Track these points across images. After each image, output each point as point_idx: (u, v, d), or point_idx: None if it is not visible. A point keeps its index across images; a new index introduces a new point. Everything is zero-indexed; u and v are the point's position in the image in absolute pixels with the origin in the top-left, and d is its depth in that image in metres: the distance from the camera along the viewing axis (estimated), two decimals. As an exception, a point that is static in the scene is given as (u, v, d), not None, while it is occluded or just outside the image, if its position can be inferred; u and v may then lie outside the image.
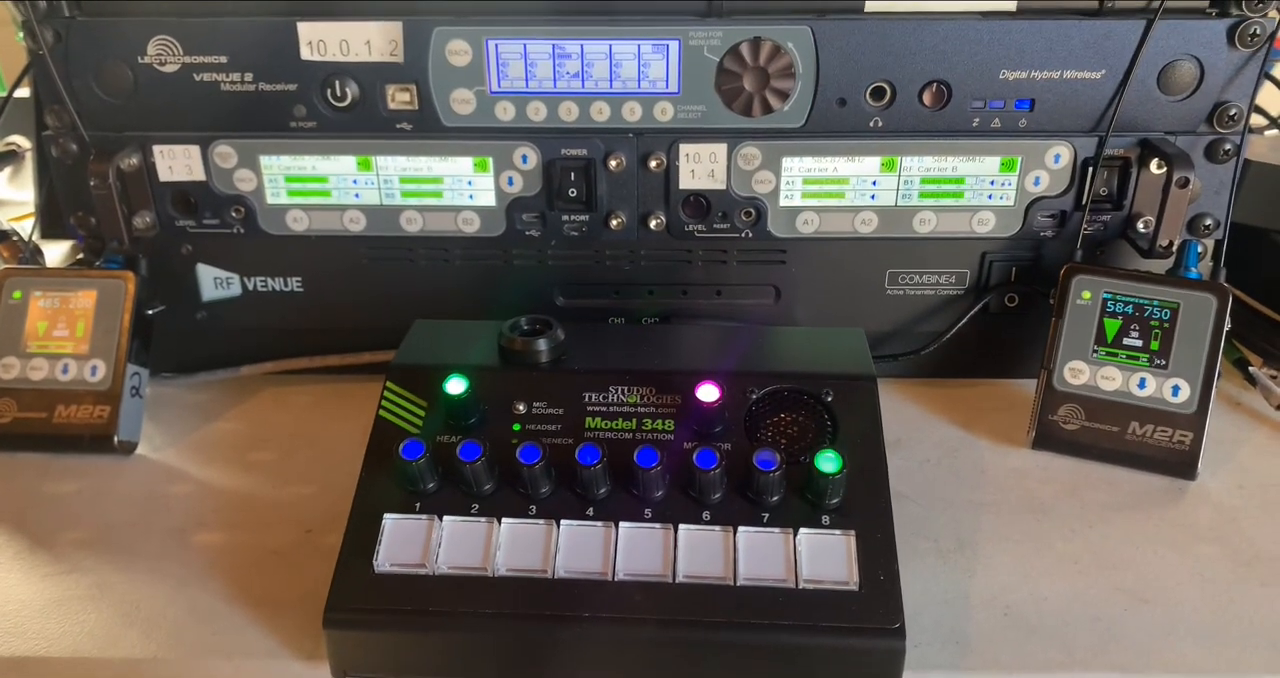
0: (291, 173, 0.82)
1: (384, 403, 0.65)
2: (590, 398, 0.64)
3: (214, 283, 0.86)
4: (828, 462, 0.57)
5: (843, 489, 0.58)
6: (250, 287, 0.86)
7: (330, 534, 0.69)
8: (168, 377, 0.85)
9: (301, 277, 0.86)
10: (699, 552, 0.57)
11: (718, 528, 0.58)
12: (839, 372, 0.65)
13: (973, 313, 0.83)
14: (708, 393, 0.60)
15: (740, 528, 0.58)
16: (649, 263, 0.84)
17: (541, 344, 0.67)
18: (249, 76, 0.78)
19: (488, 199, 0.82)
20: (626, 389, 0.64)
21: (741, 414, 0.62)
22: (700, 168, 0.80)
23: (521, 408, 0.64)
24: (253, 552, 0.69)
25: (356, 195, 0.82)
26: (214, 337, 0.83)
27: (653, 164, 0.79)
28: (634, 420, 0.63)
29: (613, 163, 0.79)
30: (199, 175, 0.81)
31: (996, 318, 0.84)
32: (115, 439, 0.75)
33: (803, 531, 0.57)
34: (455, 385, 0.62)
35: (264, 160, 0.81)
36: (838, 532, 0.57)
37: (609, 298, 0.86)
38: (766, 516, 0.58)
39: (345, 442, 0.80)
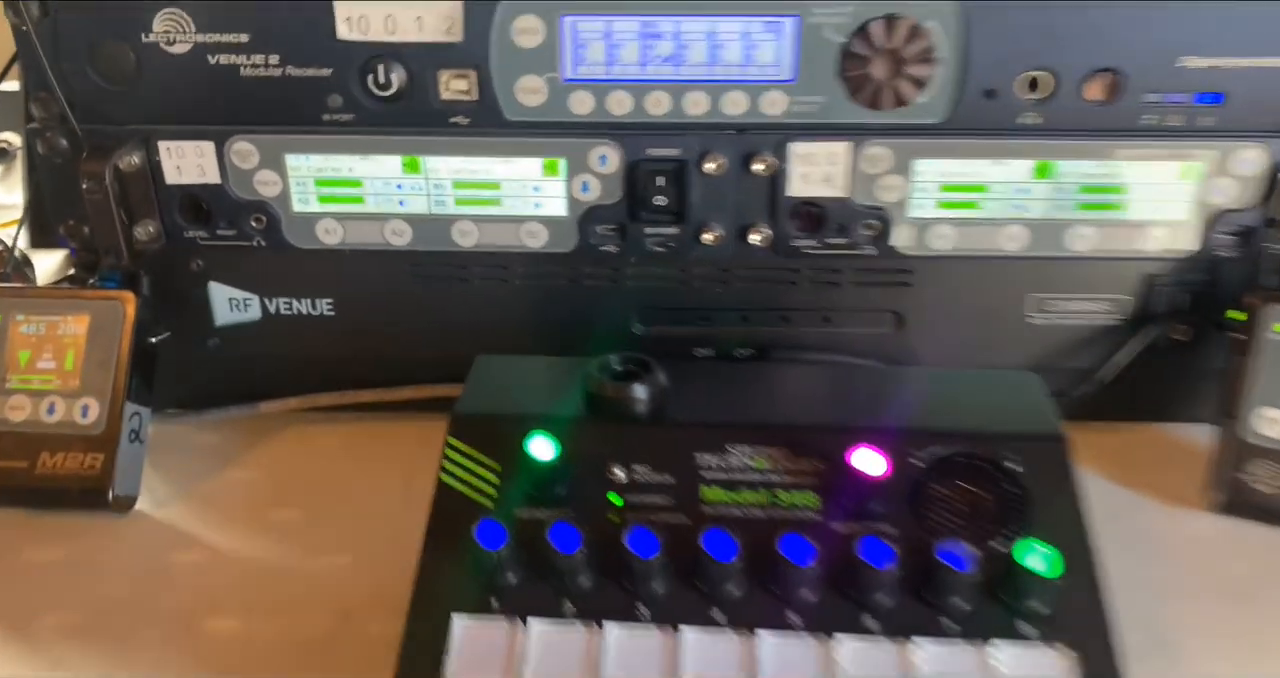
0: (324, 175, 0.68)
1: (446, 464, 0.52)
2: (705, 461, 0.51)
3: (229, 305, 0.73)
4: (1038, 557, 0.43)
5: (1055, 593, 0.44)
6: (272, 309, 0.73)
7: (375, 620, 0.56)
8: (173, 414, 0.73)
9: (333, 298, 0.72)
10: (866, 668, 0.43)
11: (886, 640, 0.44)
12: (1020, 430, 0.51)
13: (1134, 347, 0.69)
14: (869, 461, 0.47)
15: (918, 639, 0.44)
16: (745, 284, 0.70)
17: (640, 391, 0.53)
18: (274, 59, 0.65)
19: (557, 208, 0.68)
20: (751, 451, 0.51)
21: (905, 487, 0.49)
22: (815, 172, 0.67)
23: (620, 473, 0.51)
24: (279, 644, 0.56)
25: (401, 203, 0.69)
26: (229, 368, 0.72)
27: (758, 167, 0.66)
28: (765, 493, 0.49)
29: (709, 165, 0.66)
30: (213, 178, 0.68)
31: (1163, 354, 0.70)
32: (110, 494, 0.63)
33: (1000, 644, 0.44)
34: (541, 448, 0.48)
35: (291, 160, 0.68)
36: (1049, 648, 0.43)
37: (695, 325, 0.72)
38: (951, 623, 0.44)
39: (385, 496, 0.67)
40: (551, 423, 0.51)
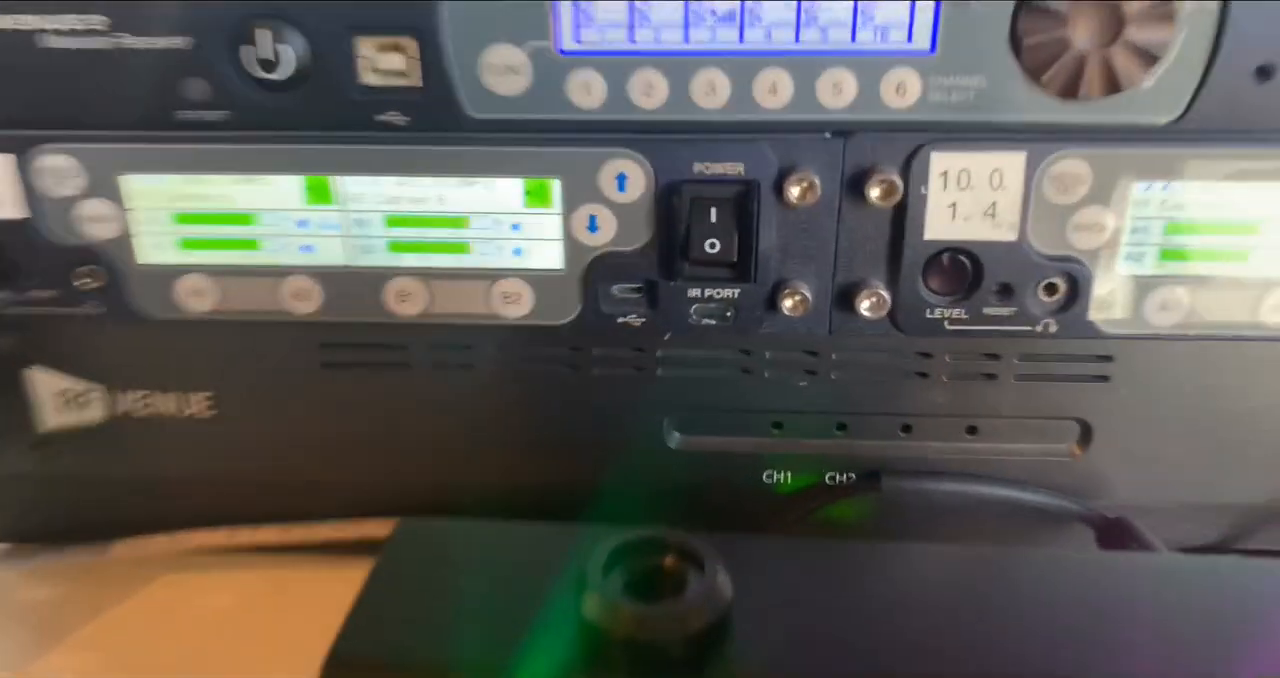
0: (185, 206, 0.44)
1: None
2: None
3: (60, 401, 0.48)
4: None
5: None
6: (122, 407, 0.49)
7: None
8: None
9: (210, 392, 0.48)
10: None
11: None
12: None
13: None
14: None
15: None
16: (846, 376, 0.45)
17: (681, 617, 0.27)
18: (101, 23, 0.40)
19: (549, 257, 0.43)
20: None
21: None
22: (969, 199, 0.41)
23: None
24: None
25: (306, 249, 0.44)
26: (66, 492, 0.52)
27: (874, 192, 0.41)
28: None
29: (794, 190, 0.41)
30: (12, 210, 0.44)
31: None
32: None
33: None
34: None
35: (132, 183, 0.43)
36: None
37: (764, 436, 0.46)
38: None
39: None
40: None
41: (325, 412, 0.48)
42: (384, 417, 0.48)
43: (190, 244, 0.45)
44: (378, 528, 0.50)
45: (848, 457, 0.47)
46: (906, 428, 0.47)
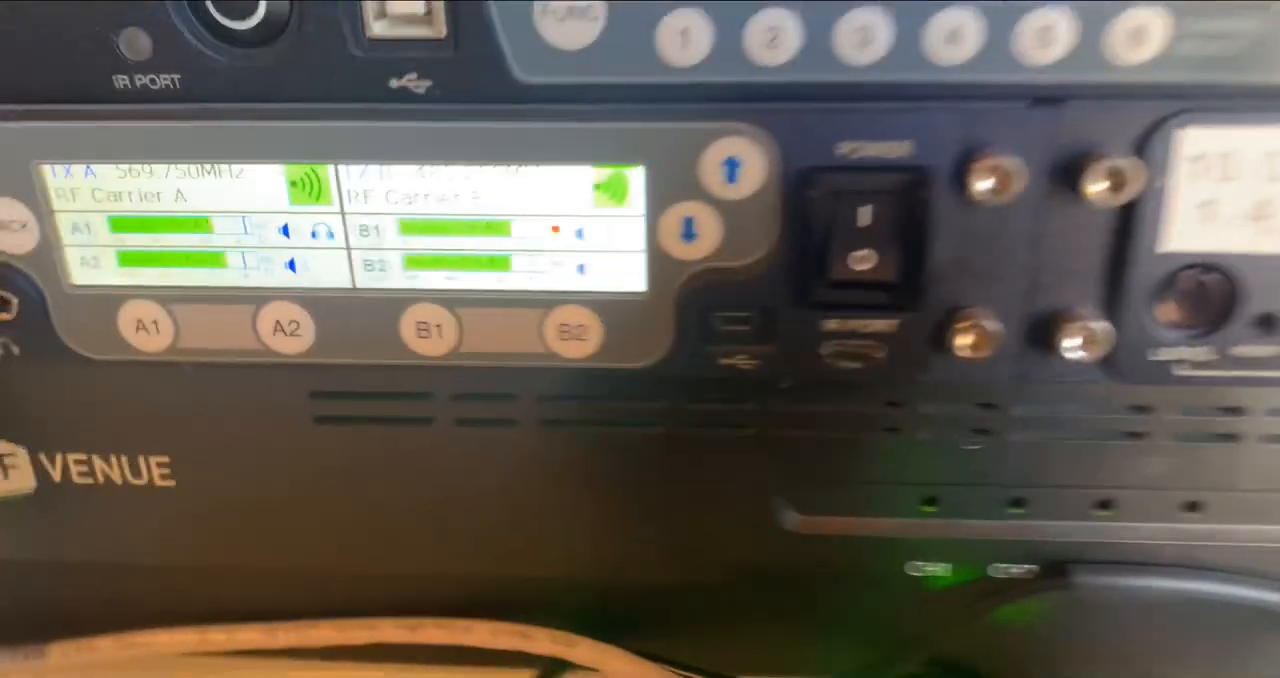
0: (126, 208, 0.32)
1: None
2: None
3: (-28, 465, 0.36)
4: None
5: None
6: (57, 474, 0.37)
7: None
8: None
9: (169, 456, 0.36)
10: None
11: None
12: None
13: None
14: None
15: None
16: (1029, 437, 0.34)
17: None
18: (3, -47, 0.29)
19: (626, 275, 0.32)
20: None
21: None
22: (1231, 195, 0.29)
23: None
24: None
25: (291, 265, 0.32)
26: None
27: (1094, 184, 0.29)
28: None
29: (980, 179, 0.29)
30: (-110, 214, 0.32)
31: None
32: None
33: None
34: None
35: (52, 176, 0.31)
36: None
37: (911, 515, 0.35)
38: None
39: None
40: None
41: (319, 481, 0.36)
42: (397, 489, 0.36)
43: (134, 259, 0.33)
44: (391, 631, 0.38)
45: (1025, 543, 0.35)
46: (1105, 504, 0.35)
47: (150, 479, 0.37)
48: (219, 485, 0.37)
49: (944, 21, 0.28)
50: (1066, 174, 0.29)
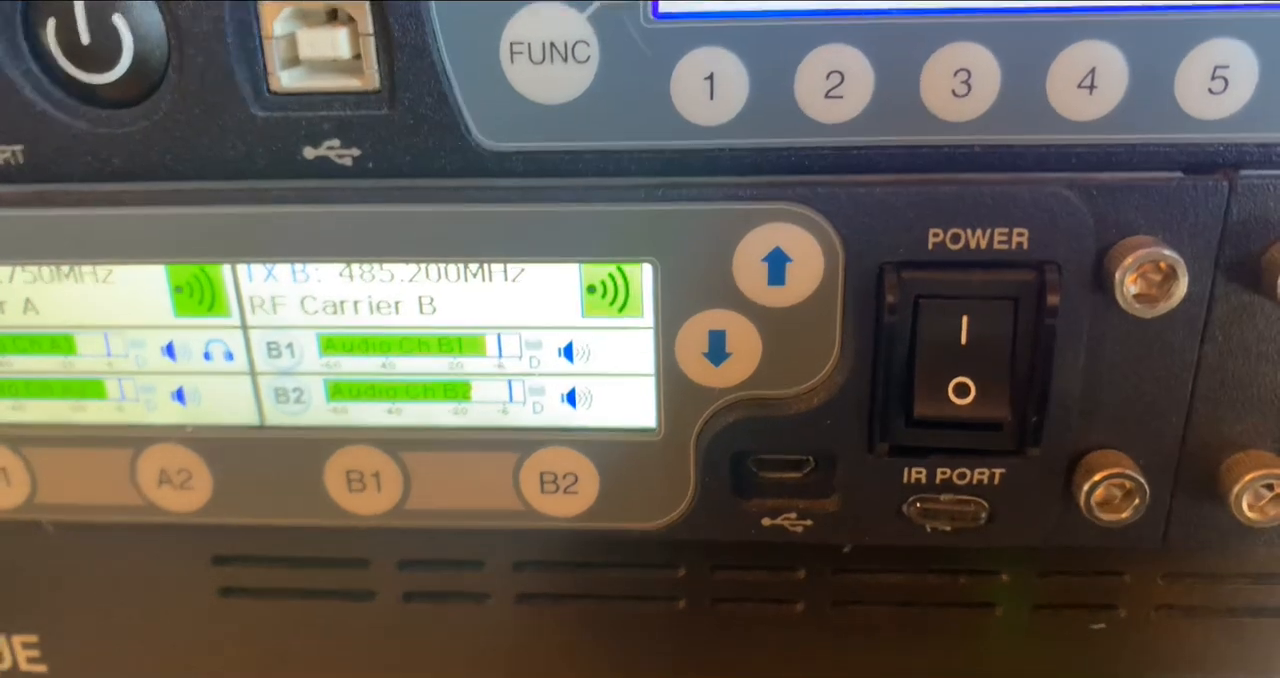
0: None
1: None
2: None
3: None
4: None
5: None
6: (-109, 656, 0.27)
7: None
8: None
9: (37, 635, 0.26)
10: None
11: None
12: None
13: None
14: None
15: None
16: (1184, 613, 0.23)
17: None
18: None
19: (630, 408, 0.23)
20: None
21: None
22: None
23: None
24: None
25: (178, 396, 0.23)
26: None
27: (1288, 284, 0.20)
28: None
29: (1125, 283, 0.19)
30: None
31: None
32: None
33: None
34: None
35: None
36: None
37: None
38: None
39: None
40: None
41: (224, 666, 0.27)
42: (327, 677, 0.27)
43: (-26, 389, 0.24)
44: None
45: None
46: (1274, 697, 0.26)
47: (15, 663, 0.28)
48: (101, 671, 0.28)
49: (1076, 59, 0.20)
50: (1244, 270, 0.21)
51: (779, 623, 0.26)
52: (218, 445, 0.24)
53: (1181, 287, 0.20)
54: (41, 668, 0.29)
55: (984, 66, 0.20)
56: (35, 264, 0.23)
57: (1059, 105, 0.20)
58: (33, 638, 0.28)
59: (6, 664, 0.29)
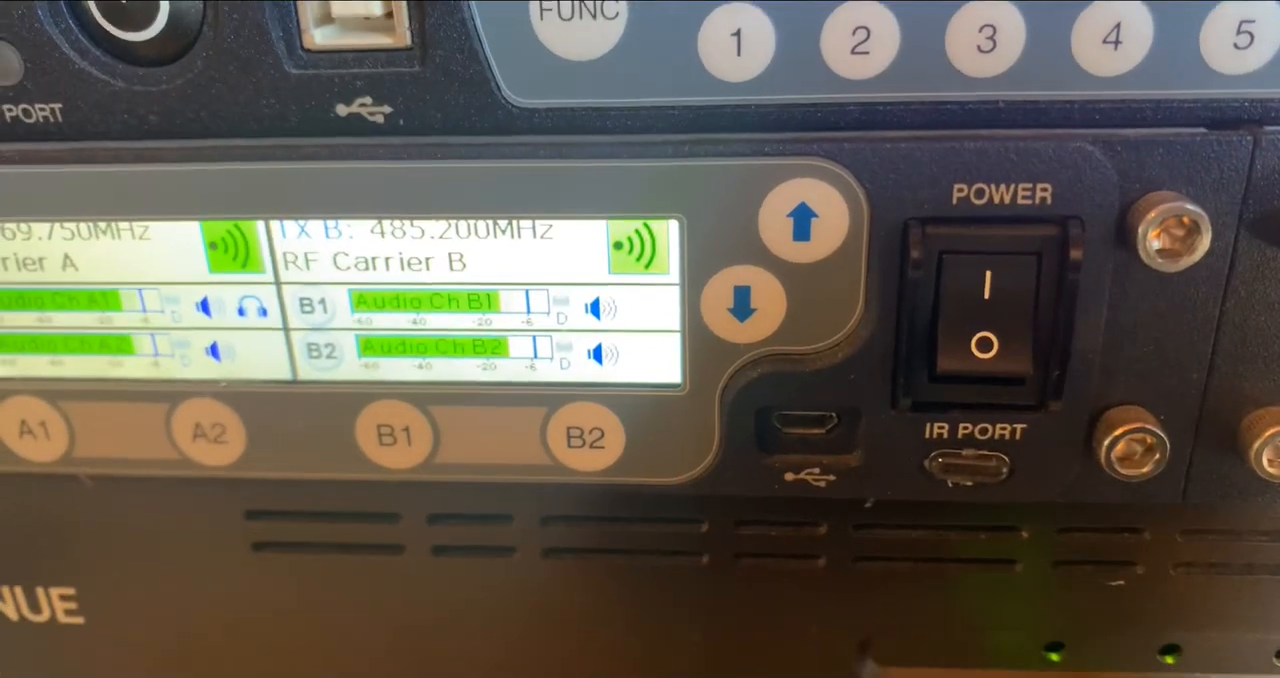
0: (1, 280, 0.24)
1: None
2: None
3: None
4: None
5: None
6: (-64, 608, 0.28)
7: None
8: None
9: (72, 587, 0.27)
10: None
11: None
12: None
13: None
14: None
15: None
16: (1191, 571, 0.24)
17: None
18: None
19: (656, 363, 0.24)
20: None
21: None
22: None
23: None
24: None
25: (212, 351, 0.23)
26: None
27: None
28: None
29: (1152, 234, 0.20)
30: None
31: None
32: None
33: None
34: None
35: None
36: None
37: (1024, 667, 0.25)
38: None
39: None
40: None
41: (257, 619, 0.28)
42: (357, 630, 0.28)
43: (13, 345, 0.25)
44: None
45: (1179, 703, 0.27)
46: (1287, 654, 0.26)
47: (52, 615, 0.29)
48: (136, 623, 0.29)
49: (1101, 15, 0.20)
50: (1268, 226, 0.21)
51: (801, 578, 0.26)
52: (251, 400, 0.25)
53: (1205, 241, 0.21)
54: (78, 620, 0.29)
55: (1009, 23, 0.20)
56: (73, 221, 0.24)
57: (1084, 61, 0.21)
58: (70, 591, 0.29)
59: (44, 617, 0.29)
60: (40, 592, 0.29)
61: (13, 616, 0.29)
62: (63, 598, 0.29)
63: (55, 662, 0.30)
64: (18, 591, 0.29)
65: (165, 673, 0.30)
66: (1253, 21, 0.20)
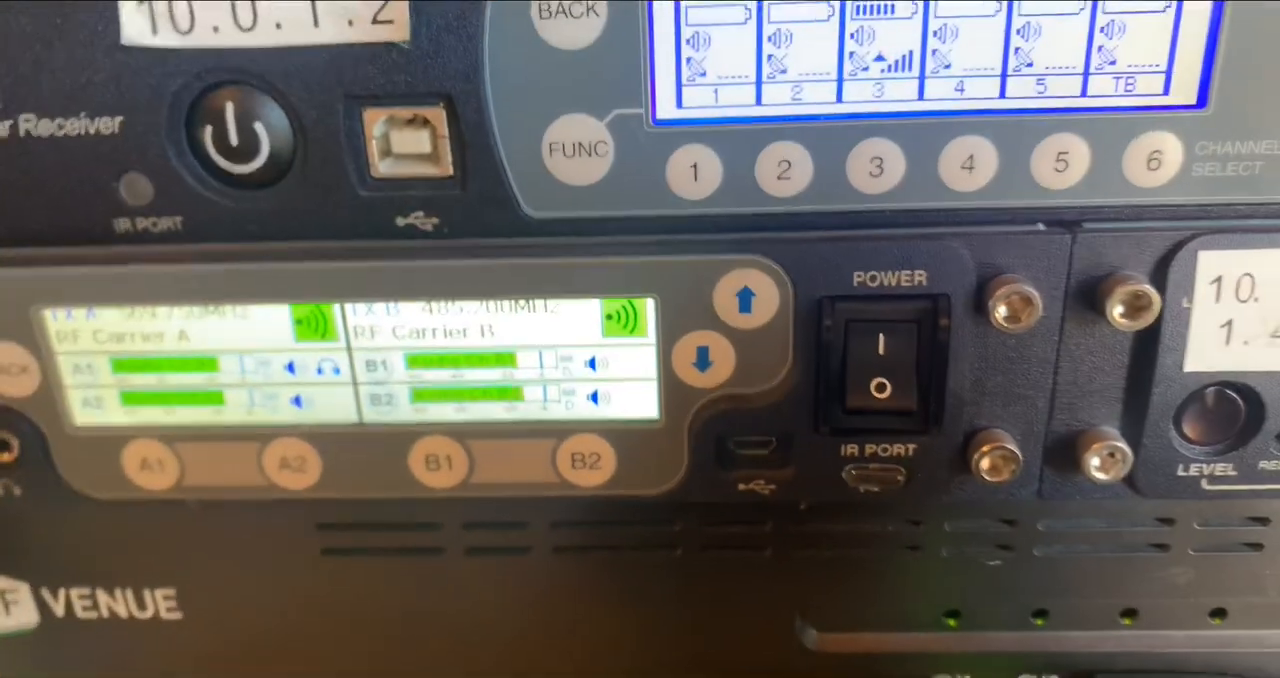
0: (128, 349, 0.32)
1: None
2: None
3: (-28, 603, 0.35)
4: None
5: None
6: (60, 609, 0.37)
7: None
8: None
9: (175, 588, 0.35)
10: None
11: None
12: None
13: None
14: None
15: None
16: (1053, 551, 0.33)
17: None
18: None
19: (639, 404, 0.32)
20: None
21: None
22: (1252, 316, 0.29)
23: None
24: None
25: (298, 402, 0.31)
26: None
27: (1115, 307, 0.28)
28: None
29: (1000, 306, 0.28)
30: (-114, 362, 0.31)
31: None
32: None
33: None
34: None
35: (53, 319, 0.31)
36: None
37: (934, 629, 0.34)
38: None
39: None
40: None
41: (327, 613, 0.35)
42: (407, 621, 0.35)
43: (137, 399, 0.32)
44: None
45: (1048, 654, 0.35)
46: (1130, 613, 0.34)
47: (156, 612, 0.36)
48: (226, 616, 0.36)
49: (958, 149, 0.28)
50: (1086, 297, 0.29)
51: (753, 565, 0.34)
52: (326, 438, 0.32)
53: (1038, 311, 0.28)
54: (177, 616, 0.36)
55: (892, 155, 0.28)
56: (187, 305, 0.31)
57: (948, 180, 0.28)
58: (171, 591, 0.36)
59: (150, 613, 0.36)
60: (147, 593, 0.36)
61: (123, 613, 0.36)
62: (165, 597, 0.36)
63: (157, 651, 0.37)
64: (128, 592, 0.36)
65: (249, 658, 0.37)
66: (1067, 152, 0.28)
